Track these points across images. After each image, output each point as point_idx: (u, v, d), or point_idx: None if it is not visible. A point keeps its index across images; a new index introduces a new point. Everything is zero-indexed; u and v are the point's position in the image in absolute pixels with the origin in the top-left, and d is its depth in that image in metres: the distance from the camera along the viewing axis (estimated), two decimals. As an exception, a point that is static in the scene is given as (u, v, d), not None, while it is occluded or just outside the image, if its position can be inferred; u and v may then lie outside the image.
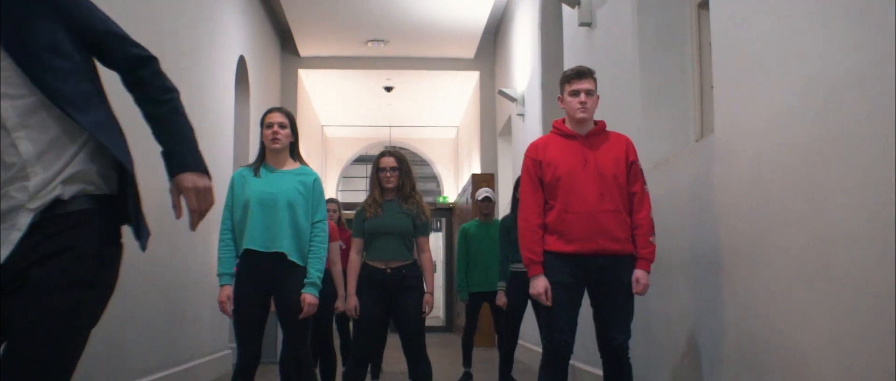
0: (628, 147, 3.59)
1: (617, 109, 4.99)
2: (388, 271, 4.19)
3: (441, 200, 14.88)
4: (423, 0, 9.27)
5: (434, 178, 16.65)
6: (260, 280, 3.69)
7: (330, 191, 14.68)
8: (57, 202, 1.78)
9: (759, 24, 3.14)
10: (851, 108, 2.49)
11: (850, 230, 2.49)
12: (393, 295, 4.20)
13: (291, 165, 3.87)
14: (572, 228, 3.45)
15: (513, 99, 8.81)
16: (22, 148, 1.74)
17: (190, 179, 1.91)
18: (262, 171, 3.79)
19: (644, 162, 4.53)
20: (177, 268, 5.73)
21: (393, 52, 11.15)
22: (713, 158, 3.57)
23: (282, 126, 3.81)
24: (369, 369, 5.44)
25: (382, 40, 10.63)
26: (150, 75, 1.96)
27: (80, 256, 1.77)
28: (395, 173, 4.27)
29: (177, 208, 1.94)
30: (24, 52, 1.75)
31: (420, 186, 4.54)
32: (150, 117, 1.96)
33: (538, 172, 3.55)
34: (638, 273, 3.49)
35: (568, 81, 3.58)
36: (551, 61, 7.41)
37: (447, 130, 15.33)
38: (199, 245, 6.15)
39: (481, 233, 6.47)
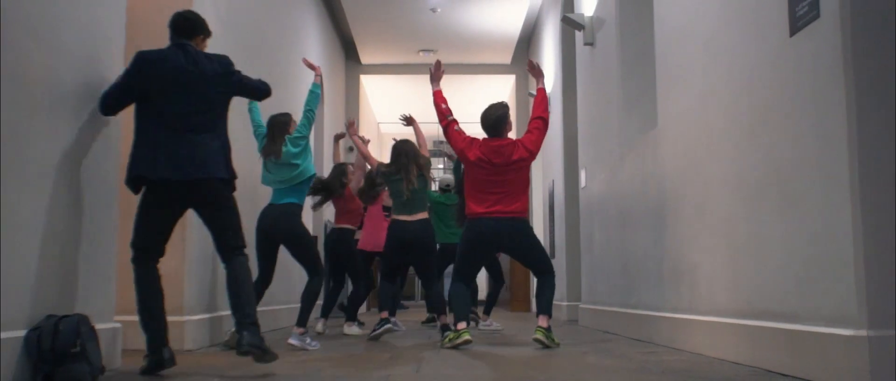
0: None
1: (605, 108, 6.66)
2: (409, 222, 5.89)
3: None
4: (466, 15, 11.01)
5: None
6: None
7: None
8: None
9: (678, 51, 4.79)
10: (717, 111, 4.14)
11: (716, 184, 4.13)
12: (413, 250, 5.89)
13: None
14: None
15: (541, 100, 10.46)
16: None
17: None
18: None
19: (621, 147, 6.20)
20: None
21: (441, 60, 12.78)
22: (656, 144, 5.22)
23: None
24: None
25: (432, 50, 12.39)
26: None
27: None
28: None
29: None
30: None
31: None
32: None
33: None
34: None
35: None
36: (568, 69, 9.09)
37: (489, 127, 16.86)
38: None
39: None
